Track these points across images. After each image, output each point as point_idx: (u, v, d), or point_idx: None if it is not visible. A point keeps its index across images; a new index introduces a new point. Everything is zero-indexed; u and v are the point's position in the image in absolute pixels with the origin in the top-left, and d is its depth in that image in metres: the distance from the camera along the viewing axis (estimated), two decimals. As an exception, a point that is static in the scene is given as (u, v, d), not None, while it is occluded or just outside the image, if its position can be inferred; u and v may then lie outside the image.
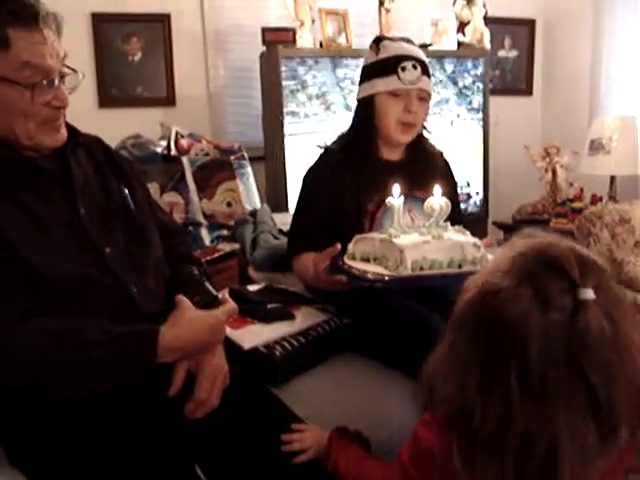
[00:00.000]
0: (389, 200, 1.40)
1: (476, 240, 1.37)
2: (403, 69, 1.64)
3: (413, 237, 1.33)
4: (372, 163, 1.69)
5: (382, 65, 1.66)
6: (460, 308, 0.81)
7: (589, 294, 0.73)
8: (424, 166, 1.74)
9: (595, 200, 3.13)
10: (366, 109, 1.70)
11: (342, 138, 1.76)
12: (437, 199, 1.39)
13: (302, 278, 1.68)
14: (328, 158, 1.73)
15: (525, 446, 0.73)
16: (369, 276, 1.32)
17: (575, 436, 0.72)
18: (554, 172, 3.29)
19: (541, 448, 0.73)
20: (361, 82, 1.73)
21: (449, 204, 1.39)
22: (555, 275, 0.74)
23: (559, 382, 0.72)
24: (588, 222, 2.70)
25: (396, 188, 1.39)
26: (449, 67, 3.22)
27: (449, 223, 1.42)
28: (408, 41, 1.73)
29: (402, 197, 1.39)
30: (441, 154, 1.84)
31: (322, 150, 1.77)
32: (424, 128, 1.78)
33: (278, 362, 1.42)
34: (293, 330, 1.51)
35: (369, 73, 1.70)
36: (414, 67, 1.65)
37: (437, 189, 1.40)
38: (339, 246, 1.42)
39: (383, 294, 1.51)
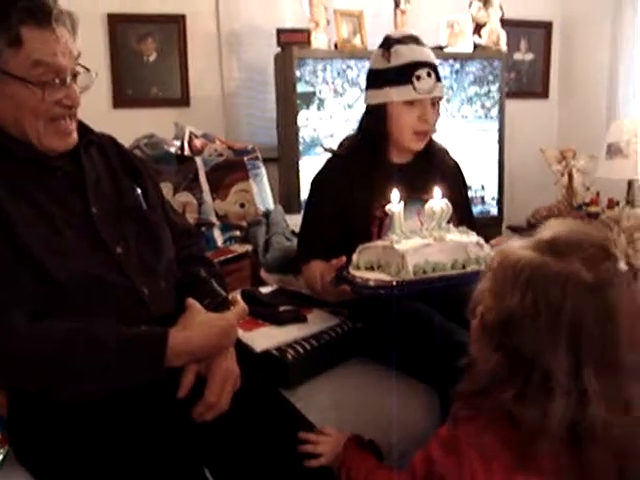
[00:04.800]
0: (389, 207, 1.37)
1: (479, 239, 1.36)
2: (418, 78, 1.59)
3: (415, 241, 1.32)
4: (380, 167, 1.66)
5: (395, 73, 1.60)
6: (513, 303, 0.82)
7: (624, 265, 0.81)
8: (432, 168, 1.70)
9: (612, 204, 3.08)
10: (377, 116, 1.65)
11: (349, 142, 1.72)
12: (437, 201, 1.37)
13: (310, 288, 1.65)
14: (336, 163, 1.70)
15: None
16: (371, 283, 1.30)
17: None
18: (570, 176, 3.25)
19: None
20: (370, 87, 1.67)
21: (449, 206, 1.37)
22: (601, 250, 0.82)
23: None
24: (605, 227, 2.66)
25: (395, 194, 1.37)
26: (464, 69, 3.19)
27: (451, 225, 1.40)
28: (417, 41, 1.65)
29: (402, 203, 1.37)
30: (448, 154, 1.80)
31: (329, 153, 1.75)
32: None
33: (290, 365, 1.41)
34: (305, 333, 1.50)
35: (381, 80, 1.63)
36: (429, 75, 1.60)
37: (437, 191, 1.38)
38: (344, 258, 1.40)
39: (392, 303, 1.49)
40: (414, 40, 1.65)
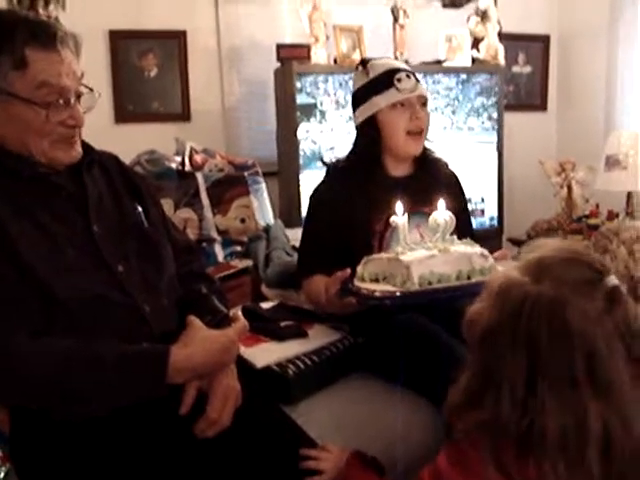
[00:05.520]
0: (393, 219, 1.39)
1: (483, 250, 1.37)
2: (399, 80, 1.66)
3: (420, 253, 1.33)
4: (379, 181, 1.68)
5: (377, 82, 1.68)
6: (491, 319, 0.86)
7: (615, 280, 0.83)
8: (431, 180, 1.72)
9: (611, 216, 3.09)
10: (369, 129, 1.69)
11: (346, 159, 1.75)
12: (441, 213, 1.39)
13: (313, 302, 1.66)
14: (334, 178, 1.73)
15: (607, 438, 0.80)
16: (377, 294, 1.31)
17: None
18: (569, 188, 3.26)
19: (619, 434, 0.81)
20: (357, 106, 1.72)
21: (453, 218, 1.39)
22: (582, 268, 0.85)
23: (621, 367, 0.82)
24: (605, 239, 2.67)
25: (399, 206, 1.39)
26: (464, 83, 3.22)
27: (455, 237, 1.41)
28: (390, 59, 1.77)
29: (406, 215, 1.39)
30: (447, 165, 1.82)
31: (327, 168, 1.77)
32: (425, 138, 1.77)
33: (291, 381, 1.41)
34: (307, 349, 1.50)
35: (365, 94, 1.69)
36: (408, 77, 1.68)
37: (441, 203, 1.40)
38: (349, 270, 1.41)
39: (394, 312, 1.50)
40: (386, 58, 1.77)
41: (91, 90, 1.19)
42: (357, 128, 1.75)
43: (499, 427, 0.84)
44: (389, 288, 1.31)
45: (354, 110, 1.75)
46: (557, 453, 0.81)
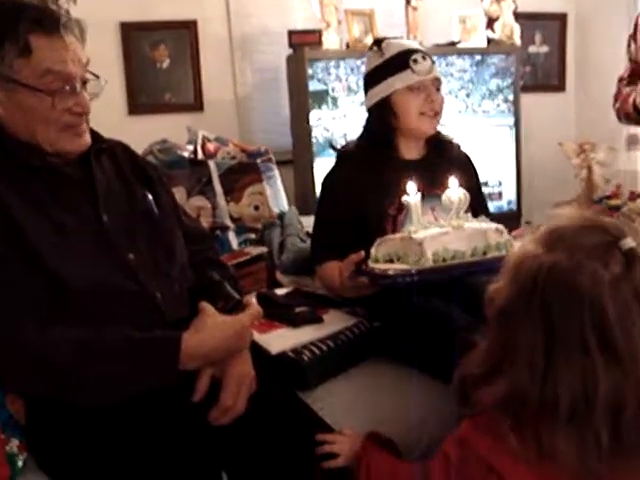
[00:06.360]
0: (405, 199, 1.38)
1: (498, 225, 1.36)
2: (415, 61, 1.63)
3: (433, 230, 1.32)
4: (391, 164, 1.66)
5: (392, 63, 1.64)
6: (508, 293, 0.86)
7: (631, 242, 0.81)
8: (443, 162, 1.69)
9: (634, 197, 3.02)
10: (383, 111, 1.66)
11: (356, 143, 1.73)
12: (454, 191, 1.37)
13: (328, 287, 1.65)
14: (345, 162, 1.71)
15: (617, 405, 0.79)
16: (390, 272, 1.30)
17: None
18: (590, 169, 3.20)
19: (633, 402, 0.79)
20: (370, 87, 1.69)
21: (467, 195, 1.38)
22: (596, 234, 0.83)
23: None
24: (627, 219, 2.62)
25: (411, 186, 1.37)
26: (479, 64, 3.16)
27: (470, 214, 1.40)
28: (402, 38, 1.74)
29: (419, 195, 1.38)
30: (459, 147, 1.80)
31: (337, 153, 1.75)
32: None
33: (306, 367, 1.41)
34: (322, 334, 1.49)
35: (380, 75, 1.66)
36: (424, 58, 1.65)
37: (453, 181, 1.38)
38: (363, 253, 1.40)
39: (412, 293, 1.49)
40: (399, 38, 1.74)
41: (97, 77, 1.18)
42: (369, 110, 1.72)
43: (517, 401, 0.83)
44: (403, 267, 1.30)
45: (366, 91, 1.72)
46: (567, 421, 0.80)
